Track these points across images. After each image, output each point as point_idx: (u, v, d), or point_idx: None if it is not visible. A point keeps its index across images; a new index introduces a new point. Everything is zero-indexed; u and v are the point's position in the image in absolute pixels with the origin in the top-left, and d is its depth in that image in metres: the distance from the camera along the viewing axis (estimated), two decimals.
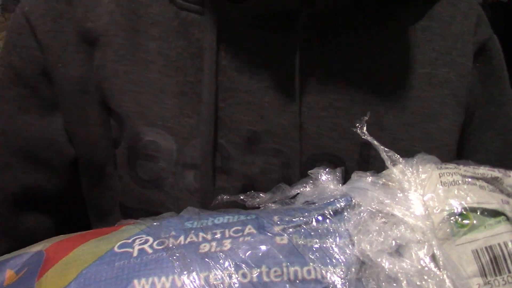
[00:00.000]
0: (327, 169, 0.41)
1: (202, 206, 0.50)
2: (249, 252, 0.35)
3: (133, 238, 0.37)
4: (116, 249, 0.36)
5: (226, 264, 0.35)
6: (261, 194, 0.43)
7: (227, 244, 0.36)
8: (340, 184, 0.40)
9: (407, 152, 0.43)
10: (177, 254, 0.35)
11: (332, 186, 0.40)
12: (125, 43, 0.51)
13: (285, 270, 0.35)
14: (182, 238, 0.37)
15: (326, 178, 0.40)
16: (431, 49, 0.54)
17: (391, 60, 0.53)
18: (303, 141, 0.50)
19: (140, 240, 0.37)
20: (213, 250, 0.35)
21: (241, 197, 0.43)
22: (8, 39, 0.54)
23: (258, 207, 0.43)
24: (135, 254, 0.36)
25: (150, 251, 0.36)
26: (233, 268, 0.34)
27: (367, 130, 0.43)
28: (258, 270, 0.35)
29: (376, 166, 0.49)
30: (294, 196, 0.42)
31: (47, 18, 0.53)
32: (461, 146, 0.57)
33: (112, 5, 0.52)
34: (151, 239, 0.37)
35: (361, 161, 0.51)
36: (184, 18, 0.51)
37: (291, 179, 0.50)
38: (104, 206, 0.56)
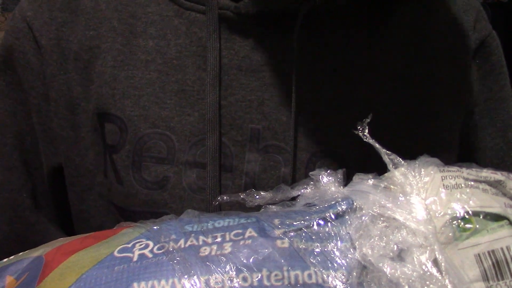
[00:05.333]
0: (328, 171, 0.41)
1: (205, 204, 0.50)
2: (250, 255, 0.35)
3: (133, 243, 0.37)
4: (116, 253, 0.36)
5: (227, 267, 0.34)
6: (261, 193, 0.42)
7: (228, 247, 0.35)
8: (342, 187, 0.40)
9: (407, 151, 0.43)
10: (178, 258, 0.35)
11: (333, 188, 0.39)
12: (123, 48, 0.52)
13: (285, 274, 0.34)
14: (182, 241, 0.36)
15: (327, 180, 0.40)
16: (430, 47, 0.54)
17: (389, 58, 0.53)
18: (303, 138, 0.50)
19: (140, 245, 0.36)
20: (213, 253, 0.35)
21: (242, 196, 0.43)
22: (5, 42, 0.55)
23: (259, 207, 0.42)
24: (135, 258, 0.35)
25: (150, 255, 0.36)
26: (234, 272, 0.34)
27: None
28: (259, 274, 0.34)
29: (377, 165, 0.48)
30: (295, 198, 0.42)
31: (51, 26, 0.53)
32: (460, 143, 0.56)
33: (109, 12, 0.52)
34: (151, 244, 0.36)
35: (362, 159, 0.50)
36: (186, 17, 0.51)
37: (294, 177, 0.49)
38: (96, 216, 0.55)
